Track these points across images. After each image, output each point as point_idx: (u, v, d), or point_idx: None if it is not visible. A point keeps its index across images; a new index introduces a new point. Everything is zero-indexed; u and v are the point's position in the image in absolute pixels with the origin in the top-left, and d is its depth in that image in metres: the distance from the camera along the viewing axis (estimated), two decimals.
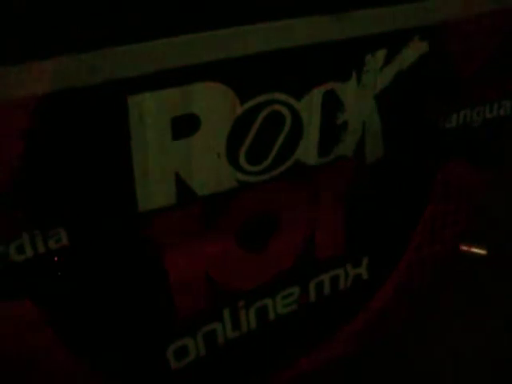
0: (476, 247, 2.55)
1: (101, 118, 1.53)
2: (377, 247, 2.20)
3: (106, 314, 1.74)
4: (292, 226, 1.97)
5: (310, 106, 1.80)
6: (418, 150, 2.10)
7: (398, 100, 1.95)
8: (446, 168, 2.19)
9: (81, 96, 1.48)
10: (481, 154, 2.26)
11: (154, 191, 1.68)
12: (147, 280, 1.79)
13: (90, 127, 1.53)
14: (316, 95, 1.79)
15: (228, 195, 1.80)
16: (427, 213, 2.22)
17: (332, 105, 1.83)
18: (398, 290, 2.28)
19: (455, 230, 2.33)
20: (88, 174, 1.58)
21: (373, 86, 1.88)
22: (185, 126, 1.65)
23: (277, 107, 1.75)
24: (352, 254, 2.15)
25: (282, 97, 1.75)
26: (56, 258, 1.65)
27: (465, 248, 2.54)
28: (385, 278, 2.25)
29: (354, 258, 2.16)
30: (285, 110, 1.77)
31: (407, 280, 2.28)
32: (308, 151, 1.86)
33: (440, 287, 2.33)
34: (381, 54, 1.85)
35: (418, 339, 2.37)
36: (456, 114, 2.13)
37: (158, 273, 1.80)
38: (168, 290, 1.82)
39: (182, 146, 1.67)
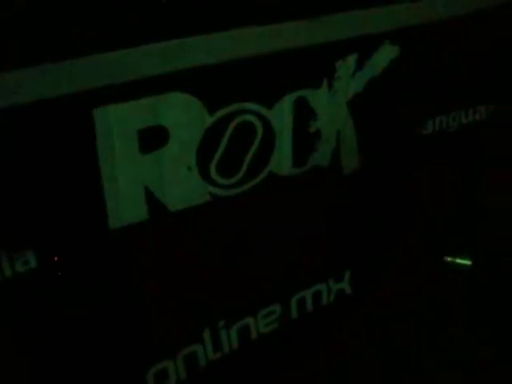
0: (460, 258, 2.51)
1: (65, 132, 1.48)
2: (359, 260, 2.14)
3: (80, 338, 1.67)
4: (269, 242, 1.91)
5: (281, 115, 1.76)
6: (395, 160, 2.07)
7: (372, 107, 1.92)
8: (425, 174, 2.15)
9: (44, 109, 1.43)
10: (460, 158, 2.24)
11: (124, 207, 1.63)
12: (122, 300, 1.72)
13: (54, 142, 1.47)
14: (287, 103, 1.76)
15: (201, 210, 1.75)
16: (409, 219, 2.19)
17: (304, 112, 1.79)
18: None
19: (438, 234, 2.30)
20: (54, 191, 1.53)
21: (345, 92, 1.85)
22: (153, 138, 1.60)
23: (247, 117, 1.72)
24: (334, 269, 2.10)
25: (252, 106, 1.71)
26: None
27: (449, 259, 2.49)
28: (369, 290, 2.19)
29: (336, 273, 2.11)
30: (255, 120, 1.73)
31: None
32: (281, 162, 1.82)
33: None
34: (352, 59, 1.82)
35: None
36: (432, 121, 2.10)
37: (133, 293, 1.74)
38: (144, 310, 1.76)
39: (150, 159, 1.62)
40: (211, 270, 1.83)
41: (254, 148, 1.75)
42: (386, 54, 1.87)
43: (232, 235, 1.83)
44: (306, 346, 2.08)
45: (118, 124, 1.53)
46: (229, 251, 1.85)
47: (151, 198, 1.65)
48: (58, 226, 1.56)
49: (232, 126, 1.69)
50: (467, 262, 2.45)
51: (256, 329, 1.98)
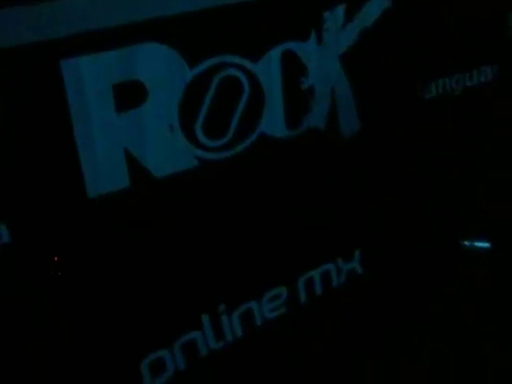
0: (478, 241, 2.33)
1: (30, 88, 1.35)
2: (369, 237, 1.97)
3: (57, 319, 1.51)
4: (267, 214, 1.76)
5: (269, 69, 1.63)
6: (398, 124, 1.92)
7: (367, 63, 1.79)
8: (434, 144, 2.00)
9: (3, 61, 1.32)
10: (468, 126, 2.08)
11: (103, 173, 1.49)
12: (105, 281, 1.56)
13: (17, 100, 1.35)
14: (273, 56, 1.63)
15: (189, 176, 1.60)
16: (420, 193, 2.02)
17: (293, 67, 1.66)
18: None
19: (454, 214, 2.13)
20: (22, 157, 1.39)
21: (336, 45, 1.72)
22: (129, 95, 1.47)
23: (231, 71, 1.59)
24: (342, 247, 1.92)
25: (236, 59, 1.58)
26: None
27: (467, 243, 2.31)
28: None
29: (345, 251, 1.93)
30: (241, 75, 1.60)
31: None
32: (273, 122, 1.68)
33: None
34: (340, 9, 1.70)
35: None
36: (435, 84, 1.97)
37: (117, 272, 1.57)
38: (129, 292, 1.60)
39: (128, 117, 1.49)
40: (204, 247, 1.66)
41: (241, 106, 1.61)
42: (377, 4, 1.75)
43: (225, 206, 1.67)
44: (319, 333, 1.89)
45: (90, 78, 1.41)
46: (223, 225, 1.68)
47: (132, 163, 1.51)
48: (30, 196, 1.42)
49: (215, 81, 1.56)
50: (486, 245, 2.27)
51: (261, 314, 1.80)
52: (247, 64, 1.59)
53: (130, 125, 1.49)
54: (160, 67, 1.48)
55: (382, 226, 1.96)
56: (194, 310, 1.68)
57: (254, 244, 1.74)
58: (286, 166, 1.74)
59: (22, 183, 1.40)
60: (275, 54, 1.62)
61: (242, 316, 1.76)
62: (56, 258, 1.48)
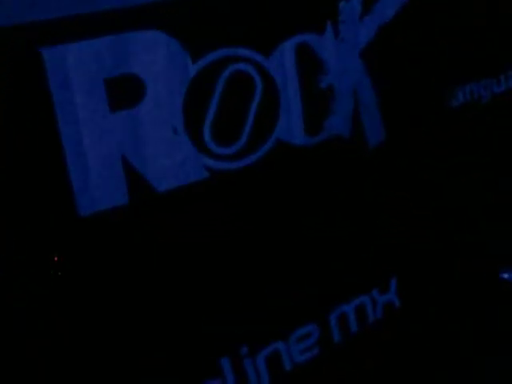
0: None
1: (5, 82, 1.13)
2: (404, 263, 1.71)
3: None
4: (288, 236, 1.51)
5: (282, 64, 1.42)
6: (425, 133, 1.70)
7: (390, 61, 1.59)
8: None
9: None
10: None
11: (96, 186, 1.24)
12: (105, 319, 1.29)
13: None
14: (287, 49, 1.42)
15: (197, 190, 1.36)
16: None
17: (310, 63, 1.46)
18: None
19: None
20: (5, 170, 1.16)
21: (354, 39, 1.52)
22: (125, 91, 1.26)
23: (240, 66, 1.38)
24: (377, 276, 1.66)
25: (245, 52, 1.38)
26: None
27: (506, 276, 2.06)
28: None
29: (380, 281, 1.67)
30: (251, 70, 1.39)
31: None
32: (291, 126, 1.45)
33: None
34: (356, 0, 1.52)
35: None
36: (462, 90, 1.77)
37: (117, 307, 1.31)
38: (127, 326, 1.32)
39: (124, 118, 1.26)
40: (217, 274, 1.40)
41: (254, 107, 1.39)
42: None
43: (239, 226, 1.42)
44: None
45: (77, 71, 1.19)
46: (237, 248, 1.43)
47: (131, 174, 1.28)
48: (6, 216, 1.18)
49: (223, 77, 1.35)
50: None
51: (289, 357, 1.52)
52: (258, 57, 1.39)
53: (127, 127, 1.26)
54: (159, 59, 1.27)
55: (417, 250, 1.72)
56: (210, 353, 1.40)
57: (273, 272, 1.49)
58: (306, 180, 1.51)
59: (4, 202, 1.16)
60: (289, 46, 1.42)
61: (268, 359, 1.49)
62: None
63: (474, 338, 1.81)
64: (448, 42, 1.70)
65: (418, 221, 1.70)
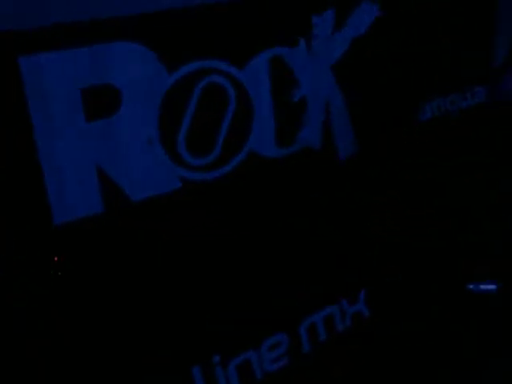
0: (484, 284, 2.13)
1: None
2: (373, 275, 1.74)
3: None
4: (261, 247, 1.53)
5: (256, 76, 1.45)
6: (396, 145, 1.75)
7: (361, 76, 1.63)
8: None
9: None
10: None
11: (72, 195, 1.25)
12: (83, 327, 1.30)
13: None
14: (261, 62, 1.45)
15: (171, 200, 1.38)
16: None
17: (283, 76, 1.48)
18: None
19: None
20: None
21: (326, 54, 1.55)
22: (101, 101, 1.27)
23: (215, 78, 1.40)
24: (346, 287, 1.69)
25: (220, 64, 1.40)
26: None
27: (472, 286, 2.11)
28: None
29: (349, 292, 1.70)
30: (226, 82, 1.41)
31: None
32: (264, 138, 1.48)
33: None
34: (329, 15, 1.55)
35: None
36: (429, 105, 1.81)
37: (95, 317, 1.31)
38: (107, 337, 1.33)
39: (100, 128, 1.27)
40: (190, 284, 1.42)
41: (228, 119, 1.42)
42: (365, 13, 1.61)
43: (213, 236, 1.44)
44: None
45: (54, 80, 1.20)
46: (209, 258, 1.45)
47: (106, 183, 1.29)
48: None
49: (198, 88, 1.37)
50: (492, 288, 2.07)
51: (260, 366, 1.54)
52: (232, 70, 1.41)
53: (103, 136, 1.27)
54: (136, 70, 1.29)
55: (386, 262, 1.75)
56: (182, 362, 1.42)
57: (244, 282, 1.51)
58: (278, 191, 1.53)
59: None
60: (262, 59, 1.44)
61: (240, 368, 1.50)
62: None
63: (442, 347, 1.85)
64: (418, 57, 1.75)
65: (387, 232, 1.74)
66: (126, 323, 1.35)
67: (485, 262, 2.09)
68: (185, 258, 1.41)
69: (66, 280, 1.26)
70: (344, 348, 1.66)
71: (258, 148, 1.47)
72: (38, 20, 1.17)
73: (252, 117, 1.45)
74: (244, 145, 1.45)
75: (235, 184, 1.45)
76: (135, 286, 1.36)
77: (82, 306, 1.29)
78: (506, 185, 2.03)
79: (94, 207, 1.27)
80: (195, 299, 1.42)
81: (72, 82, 1.21)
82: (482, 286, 2.12)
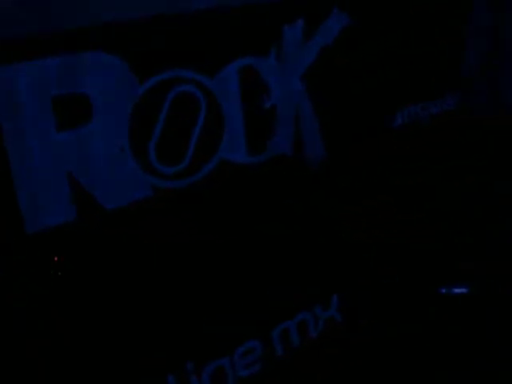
0: (457, 287, 2.16)
1: None
2: (344, 281, 1.76)
3: None
4: (232, 253, 1.54)
5: (226, 86, 1.46)
6: (365, 153, 1.77)
7: (329, 84, 1.65)
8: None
9: None
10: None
11: (43, 203, 1.26)
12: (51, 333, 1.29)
13: None
14: (231, 71, 1.47)
15: (144, 207, 1.39)
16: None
17: (253, 85, 1.50)
18: None
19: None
20: None
21: (296, 62, 1.58)
22: (72, 110, 1.27)
23: (186, 87, 1.41)
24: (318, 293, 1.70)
25: (190, 74, 1.41)
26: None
27: (445, 290, 2.14)
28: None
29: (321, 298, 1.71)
30: (197, 91, 1.42)
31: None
32: (234, 146, 1.49)
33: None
34: (299, 24, 1.57)
35: None
36: (400, 112, 1.84)
37: (64, 325, 1.31)
38: (75, 346, 1.33)
39: (72, 137, 1.28)
40: (162, 292, 1.42)
41: (198, 127, 1.43)
42: (335, 22, 1.63)
43: (184, 243, 1.45)
44: None
45: (25, 91, 1.21)
46: (182, 265, 1.45)
47: (79, 192, 1.29)
48: None
49: (169, 97, 1.38)
50: (463, 291, 2.10)
51: (233, 372, 1.55)
52: (203, 79, 1.43)
53: (75, 146, 1.28)
54: (107, 80, 1.30)
55: (358, 267, 1.77)
56: (156, 370, 1.42)
57: (217, 289, 1.52)
58: (249, 198, 1.55)
59: None
60: (233, 68, 1.46)
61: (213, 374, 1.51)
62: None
63: (418, 351, 1.88)
64: (388, 65, 1.78)
65: (359, 236, 1.76)
66: (99, 332, 1.35)
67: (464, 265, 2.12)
68: (157, 266, 1.42)
69: (38, 288, 1.26)
70: (318, 353, 1.67)
71: (229, 156, 1.49)
72: (11, 30, 1.19)
73: (223, 125, 1.47)
74: (215, 153, 1.47)
75: (206, 191, 1.46)
76: (107, 293, 1.36)
77: (53, 311, 1.30)
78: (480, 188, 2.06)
79: (66, 216, 1.28)
80: (167, 306, 1.43)
81: (43, 93, 1.22)
82: (454, 290, 2.15)
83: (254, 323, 1.59)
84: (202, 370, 1.49)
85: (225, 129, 1.47)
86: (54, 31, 1.22)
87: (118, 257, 1.36)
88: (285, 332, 1.63)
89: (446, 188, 2.00)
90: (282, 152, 1.58)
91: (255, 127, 1.52)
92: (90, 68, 1.27)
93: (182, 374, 1.46)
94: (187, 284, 1.47)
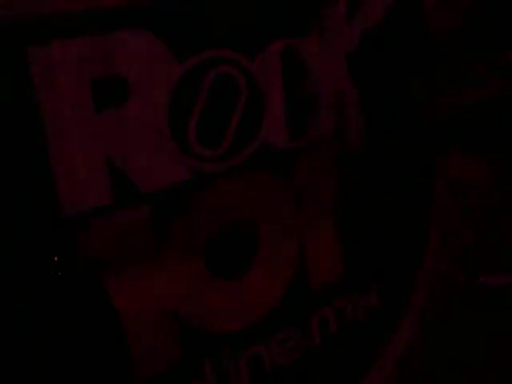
0: (498, 276, 2.10)
1: None
2: (384, 265, 1.73)
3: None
4: (275, 241, 1.51)
5: (267, 67, 1.43)
6: (408, 138, 1.73)
7: (373, 67, 1.60)
8: (444, 161, 1.80)
9: None
10: (477, 142, 1.90)
11: (81, 186, 1.24)
12: (86, 325, 1.28)
13: None
14: (272, 53, 1.43)
15: (183, 193, 1.36)
16: (435, 215, 1.80)
17: (294, 66, 1.47)
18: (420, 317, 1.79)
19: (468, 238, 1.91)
20: None
21: (338, 45, 1.54)
22: (110, 92, 1.25)
23: (226, 68, 1.38)
24: (356, 279, 1.67)
25: (231, 54, 1.38)
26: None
27: (484, 278, 2.08)
28: (402, 304, 1.76)
29: (359, 284, 1.68)
30: (237, 73, 1.40)
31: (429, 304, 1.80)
32: (275, 130, 1.46)
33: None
34: (341, 5, 1.53)
35: None
36: (441, 96, 1.79)
37: (100, 314, 1.30)
38: (119, 339, 1.32)
39: (110, 119, 1.26)
40: (201, 280, 1.41)
41: (239, 110, 1.40)
42: (379, 4, 1.58)
43: (224, 229, 1.43)
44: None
45: (62, 70, 1.18)
46: (222, 253, 1.43)
47: (116, 174, 1.27)
48: None
49: (209, 78, 1.35)
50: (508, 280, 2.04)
51: (271, 360, 1.52)
52: (244, 60, 1.39)
53: (112, 128, 1.25)
54: (145, 59, 1.27)
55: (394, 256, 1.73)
56: (193, 354, 1.40)
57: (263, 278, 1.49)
58: (292, 182, 1.51)
59: None
60: (274, 50, 1.42)
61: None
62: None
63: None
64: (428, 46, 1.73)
65: (395, 228, 1.72)
66: None
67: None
68: (195, 250, 1.40)
69: (72, 273, 1.25)
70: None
71: (269, 139, 1.45)
72: (45, 9, 1.16)
73: (263, 108, 1.43)
74: (255, 136, 1.43)
75: (246, 175, 1.43)
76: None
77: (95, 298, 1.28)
78: None
79: (102, 199, 1.26)
80: (203, 300, 1.40)
81: (80, 72, 1.20)
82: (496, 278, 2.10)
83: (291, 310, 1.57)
84: (239, 356, 1.47)
85: (265, 112, 1.44)
86: (90, 9, 1.19)
87: (156, 243, 1.34)
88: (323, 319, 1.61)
89: None
90: (322, 137, 1.54)
91: (296, 111, 1.48)
92: (127, 47, 1.24)
93: (217, 360, 1.44)
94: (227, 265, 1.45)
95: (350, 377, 1.67)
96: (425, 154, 1.77)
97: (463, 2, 1.72)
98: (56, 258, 1.20)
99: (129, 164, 1.27)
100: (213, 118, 1.36)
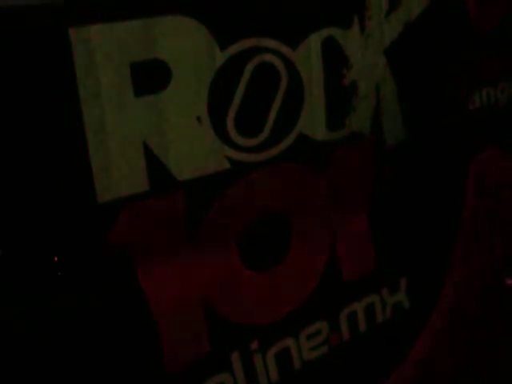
0: None
1: (30, 64, 1.10)
2: (415, 262, 1.70)
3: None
4: (308, 234, 1.49)
5: (309, 57, 1.40)
6: (445, 134, 1.69)
7: (412, 61, 1.57)
8: (480, 158, 1.78)
9: None
10: None
11: (117, 171, 1.22)
12: (116, 313, 1.26)
13: (13, 79, 1.09)
14: (313, 43, 1.41)
15: (220, 182, 1.34)
16: (467, 214, 1.78)
17: (335, 58, 1.44)
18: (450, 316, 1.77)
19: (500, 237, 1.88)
20: (20, 151, 1.12)
21: (379, 37, 1.51)
22: (150, 76, 1.23)
23: (268, 57, 1.36)
24: (386, 275, 1.65)
25: (273, 43, 1.36)
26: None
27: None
28: (431, 304, 1.73)
29: (389, 280, 1.66)
30: (278, 63, 1.37)
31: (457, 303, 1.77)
32: (314, 121, 1.44)
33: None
34: None
35: None
36: (478, 93, 1.76)
37: (132, 302, 1.28)
38: (149, 327, 1.30)
39: (148, 104, 1.24)
40: (233, 271, 1.39)
41: (278, 100, 1.37)
42: None
43: (258, 220, 1.41)
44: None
45: (103, 53, 1.16)
46: (255, 244, 1.41)
47: (153, 161, 1.25)
48: (28, 200, 1.14)
49: (250, 66, 1.32)
50: None
51: (299, 354, 1.50)
52: (285, 50, 1.36)
53: (151, 113, 1.23)
54: (186, 45, 1.24)
55: (427, 251, 1.71)
56: (221, 346, 1.39)
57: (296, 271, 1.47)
58: (326, 175, 1.49)
59: (17, 183, 1.13)
60: (315, 40, 1.39)
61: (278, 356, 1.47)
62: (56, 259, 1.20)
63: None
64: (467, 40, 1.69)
65: (426, 226, 1.69)
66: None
67: None
68: (228, 240, 1.38)
69: (112, 256, 1.23)
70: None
71: (308, 131, 1.43)
72: None
73: (303, 99, 1.40)
74: (294, 127, 1.41)
75: (284, 165, 1.41)
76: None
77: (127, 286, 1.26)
78: None
79: (138, 186, 1.24)
80: (235, 293, 1.39)
81: (121, 55, 1.17)
82: None
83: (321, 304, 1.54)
84: (267, 349, 1.45)
85: (305, 102, 1.41)
86: None
87: (187, 229, 1.32)
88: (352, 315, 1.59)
89: None
90: (361, 129, 1.51)
91: (335, 102, 1.45)
92: (168, 32, 1.21)
93: (247, 354, 1.42)
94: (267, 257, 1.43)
95: (376, 374, 1.65)
96: (461, 151, 1.74)
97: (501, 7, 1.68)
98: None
99: (166, 151, 1.25)
100: (252, 107, 1.34)
